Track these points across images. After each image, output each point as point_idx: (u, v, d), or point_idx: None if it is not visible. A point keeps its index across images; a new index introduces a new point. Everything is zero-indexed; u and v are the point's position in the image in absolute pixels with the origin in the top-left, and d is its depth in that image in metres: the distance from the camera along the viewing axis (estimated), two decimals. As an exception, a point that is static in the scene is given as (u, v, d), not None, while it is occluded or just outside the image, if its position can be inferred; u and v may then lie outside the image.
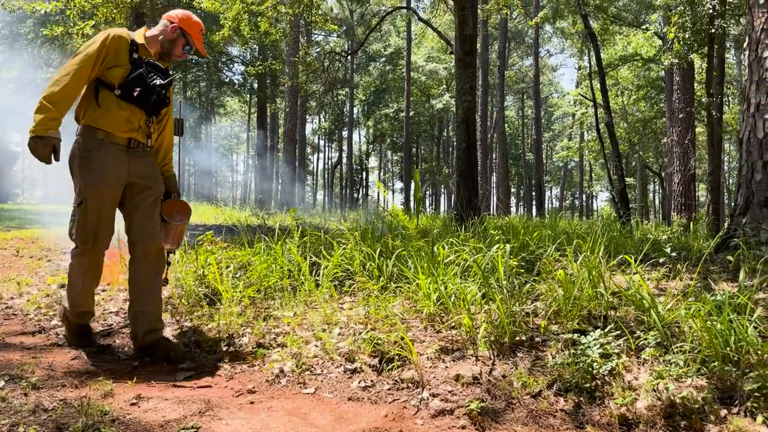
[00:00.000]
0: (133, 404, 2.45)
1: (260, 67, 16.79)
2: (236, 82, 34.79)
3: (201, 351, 3.27)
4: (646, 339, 2.86)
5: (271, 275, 4.08)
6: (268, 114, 31.35)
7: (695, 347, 2.75)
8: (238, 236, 5.50)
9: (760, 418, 2.37)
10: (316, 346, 3.12)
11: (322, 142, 54.30)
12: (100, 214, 3.10)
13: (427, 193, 51.36)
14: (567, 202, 55.30)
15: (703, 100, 14.50)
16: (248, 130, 46.33)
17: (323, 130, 47.65)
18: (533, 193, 32.64)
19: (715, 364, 2.63)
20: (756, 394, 2.46)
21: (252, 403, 2.57)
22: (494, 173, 36.69)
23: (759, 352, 2.67)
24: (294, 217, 5.21)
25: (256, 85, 31.94)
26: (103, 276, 4.56)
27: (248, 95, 38.42)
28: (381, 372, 2.84)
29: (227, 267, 4.17)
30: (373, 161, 57.86)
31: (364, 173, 50.65)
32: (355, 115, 43.28)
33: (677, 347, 2.78)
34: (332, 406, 2.56)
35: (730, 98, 27.59)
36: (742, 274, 3.53)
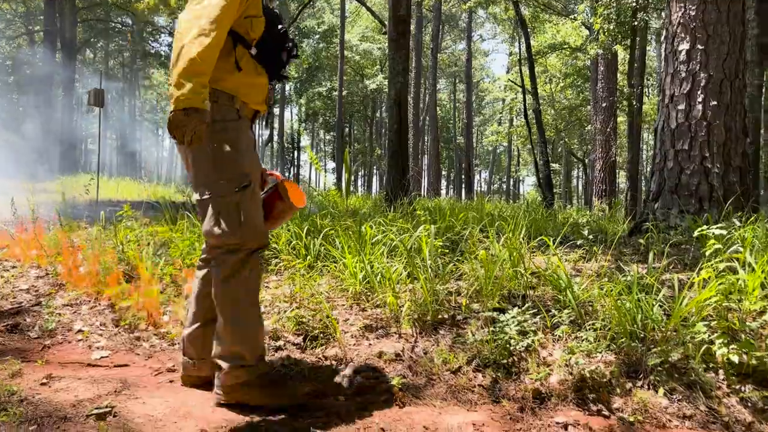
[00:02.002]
0: (43, 384, 2.36)
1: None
2: (162, 53, 33.52)
3: (119, 329, 3.17)
4: (560, 317, 2.99)
5: (194, 253, 3.99)
6: (197, 88, 30.37)
7: (606, 325, 2.89)
8: (161, 213, 5.33)
9: (661, 391, 2.53)
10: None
11: (253, 119, 53.21)
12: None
13: (360, 173, 51.40)
14: (495, 186, 56.66)
15: (625, 90, 15.13)
16: (175, 104, 44.79)
17: (253, 107, 46.74)
18: (463, 177, 33.25)
19: (623, 340, 2.78)
20: (659, 368, 2.62)
21: (172, 381, 2.52)
22: (426, 156, 37.08)
23: (663, 329, 2.84)
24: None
25: (184, 58, 30.83)
26: (14, 252, 4.34)
27: (176, 68, 37.12)
28: (305, 350, 2.85)
29: (148, 244, 4.05)
30: (305, 140, 57.28)
31: (296, 152, 50.09)
32: (287, 92, 42.64)
33: (589, 325, 2.92)
34: (254, 384, 2.54)
35: (650, 89, 28.87)
36: (650, 257, 3.73)
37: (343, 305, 3.29)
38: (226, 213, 2.19)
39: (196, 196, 2.27)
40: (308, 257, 3.88)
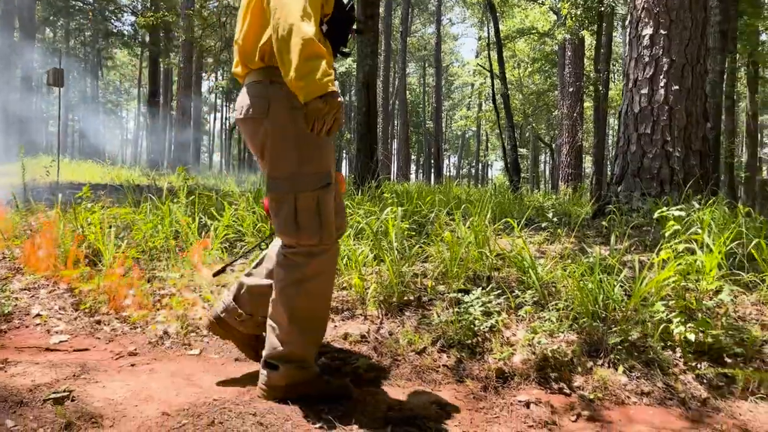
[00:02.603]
0: (-2, 369, 2.30)
1: (152, 19, 15.87)
2: (126, 33, 32.66)
3: (79, 313, 3.11)
4: (524, 298, 3.02)
5: (157, 236, 3.92)
6: (161, 69, 29.79)
7: (568, 305, 2.94)
8: (124, 196, 5.23)
9: (621, 369, 2.58)
10: (203, 307, 3.05)
11: (219, 101, 52.42)
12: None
13: (328, 157, 50.85)
14: (464, 170, 56.97)
15: (592, 75, 15.30)
16: (139, 86, 43.81)
17: (221, 89, 45.91)
18: (432, 161, 33.31)
19: (585, 320, 2.83)
20: (618, 347, 2.68)
21: (133, 365, 2.48)
22: (395, 140, 37.05)
23: (623, 309, 2.90)
24: (184, 176, 5.02)
25: (147, 38, 30.19)
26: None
27: (139, 48, 36.23)
28: (269, 332, 2.83)
29: (110, 227, 3.96)
30: (273, 123, 56.59)
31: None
32: (255, 75, 42.03)
33: (552, 305, 2.96)
34: (218, 367, 2.52)
35: (616, 75, 29.26)
36: (613, 239, 3.80)
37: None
38: (307, 212, 2.00)
39: (268, 190, 2.07)
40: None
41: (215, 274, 2.72)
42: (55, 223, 4.00)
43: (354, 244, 3.52)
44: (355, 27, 2.21)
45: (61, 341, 2.73)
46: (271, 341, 2.10)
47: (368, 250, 3.44)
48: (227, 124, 50.93)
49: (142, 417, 1.93)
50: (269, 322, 2.12)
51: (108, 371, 2.36)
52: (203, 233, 4.03)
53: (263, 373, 2.12)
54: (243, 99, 2.07)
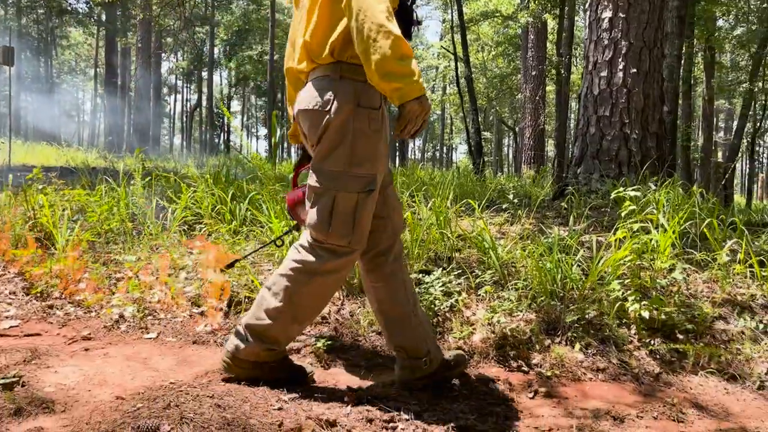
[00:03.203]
0: (-56, 356, 2.22)
1: (108, -4, 15.38)
2: (80, 11, 31.62)
3: (30, 298, 3.02)
4: (484, 278, 3.05)
5: (113, 218, 3.83)
6: (119, 49, 28.96)
7: (527, 285, 2.97)
8: (78, 179, 5.09)
9: (577, 346, 2.63)
10: (160, 290, 3.00)
11: (179, 83, 51.35)
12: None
13: (292, 140, 50.41)
14: (429, 154, 57.10)
15: (554, 59, 15.43)
16: (96, 66, 42.55)
17: (181, 70, 44.93)
18: (397, 144, 33.29)
19: (543, 299, 2.88)
20: (576, 325, 2.72)
21: (87, 350, 2.42)
22: (359, 122, 36.76)
23: (580, 288, 2.95)
24: (142, 158, 4.90)
25: (103, 17, 29.28)
26: None
27: (95, 27, 35.15)
28: (229, 315, 2.80)
29: (63, 210, 3.85)
30: (236, 105, 55.82)
31: (225, 117, 48.77)
32: (216, 56, 41.24)
33: (512, 285, 2.99)
34: (175, 350, 2.48)
35: (577, 59, 29.59)
36: (571, 219, 3.86)
37: (270, 270, 3.25)
38: (344, 213, 1.95)
39: (311, 180, 2.00)
40: (234, 222, 3.79)
41: (226, 268, 2.66)
42: (6, 206, 3.87)
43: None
44: (417, 20, 2.14)
45: (11, 326, 2.65)
46: (257, 312, 2.05)
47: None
48: (188, 106, 49.99)
49: (95, 401, 1.89)
50: (265, 292, 2.07)
51: (60, 356, 2.30)
52: (161, 216, 3.95)
53: (234, 342, 2.06)
54: (310, 92, 2.01)
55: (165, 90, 48.03)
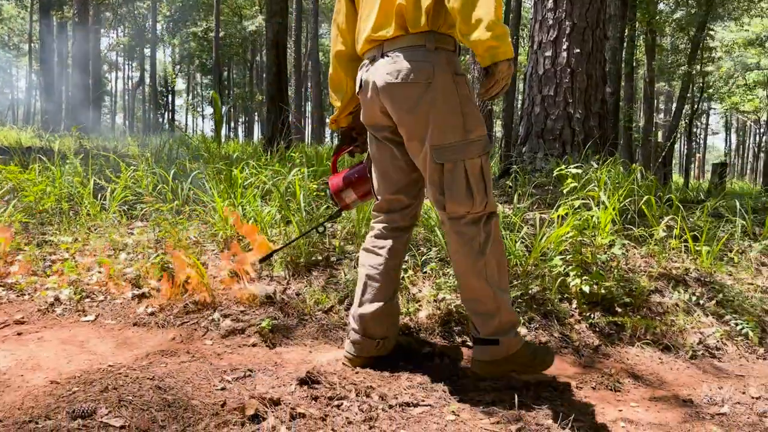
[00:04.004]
0: None
1: (41, -33, 14.62)
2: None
3: (-42, 282, 2.88)
4: (430, 255, 3.07)
5: (48, 198, 3.68)
6: (54, 23, 27.70)
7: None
8: (11, 158, 4.86)
9: (521, 321, 2.68)
10: (99, 272, 2.90)
11: (120, 60, 49.55)
12: None
13: (240, 120, 49.72)
14: (378, 133, 56.93)
15: (501, 40, 15.54)
16: (30, 42, 40.58)
17: (122, 46, 43.35)
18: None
19: (488, 275, 2.91)
20: (519, 300, 2.78)
21: (20, 334, 2.33)
22: (309, 102, 36.41)
23: (524, 264, 3.00)
24: (79, 136, 4.70)
25: (38, -11, 27.88)
26: None
27: (29, 0, 33.48)
28: (171, 296, 2.73)
29: (-7, 189, 3.68)
30: (180, 83, 54.30)
31: (170, 96, 47.39)
32: (158, 32, 39.91)
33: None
34: (114, 333, 2.41)
35: (525, 40, 29.91)
36: (516, 197, 3.91)
37: (213, 250, 3.18)
38: (475, 178, 1.94)
39: (433, 159, 1.95)
40: (176, 202, 3.69)
41: (261, 261, 2.63)
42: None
43: (261, 206, 3.44)
44: None
45: (-63, 312, 2.52)
46: (481, 319, 2.03)
47: (275, 211, 3.37)
48: (130, 84, 48.34)
49: (27, 387, 1.82)
50: (467, 304, 2.07)
51: (-9, 341, 2.21)
52: (99, 196, 3.82)
53: (483, 349, 2.04)
54: (399, 63, 1.93)
55: (105, 67, 46.32)
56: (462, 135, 1.93)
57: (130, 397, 1.74)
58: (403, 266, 2.95)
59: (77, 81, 20.82)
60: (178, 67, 46.75)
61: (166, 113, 43.97)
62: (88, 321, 2.51)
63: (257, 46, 38.40)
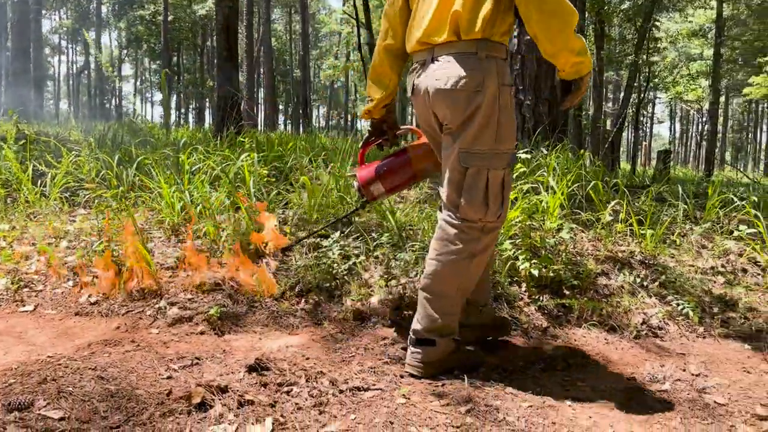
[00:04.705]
0: None
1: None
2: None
3: None
4: (381, 240, 3.06)
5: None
6: (-7, 4, 26.45)
7: (424, 246, 3.01)
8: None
9: (471, 304, 2.70)
10: (38, 260, 2.79)
11: (64, 43, 47.74)
12: None
13: (191, 106, 48.65)
14: (333, 121, 56.68)
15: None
16: (-33, 22, 38.67)
17: (65, 29, 41.76)
18: (300, 111, 32.71)
19: (439, 260, 2.92)
20: (470, 283, 2.79)
21: (-48, 326, 2.22)
22: (261, 89, 35.86)
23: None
24: (16, 121, 4.51)
25: (-27, -33, 26.54)
26: None
27: (-36, -22, 31.85)
28: (115, 284, 2.65)
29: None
30: (128, 68, 52.69)
31: (117, 81, 45.94)
32: (104, 15, 38.60)
33: (409, 247, 3.02)
34: (55, 323, 2.33)
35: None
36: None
37: (160, 237, 3.10)
38: (496, 190, 1.98)
39: (458, 162, 1.97)
40: (120, 188, 3.58)
41: (284, 251, 2.61)
42: None
43: (209, 191, 3.37)
44: None
45: None
46: (428, 313, 2.04)
47: (224, 196, 3.31)
48: (74, 69, 46.66)
49: (-40, 380, 1.74)
50: (424, 294, 2.06)
51: None
52: (39, 182, 3.67)
53: (416, 351, 2.04)
54: (451, 69, 1.94)
55: (47, 51, 44.55)
56: (492, 145, 1.96)
57: (70, 388, 1.68)
58: (355, 252, 2.94)
59: (17, 64, 19.97)
60: (125, 51, 45.33)
61: (114, 99, 42.65)
62: (26, 311, 2.42)
63: (208, 31, 37.56)
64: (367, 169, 2.30)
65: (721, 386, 2.07)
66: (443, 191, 2.05)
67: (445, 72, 1.95)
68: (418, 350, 2.05)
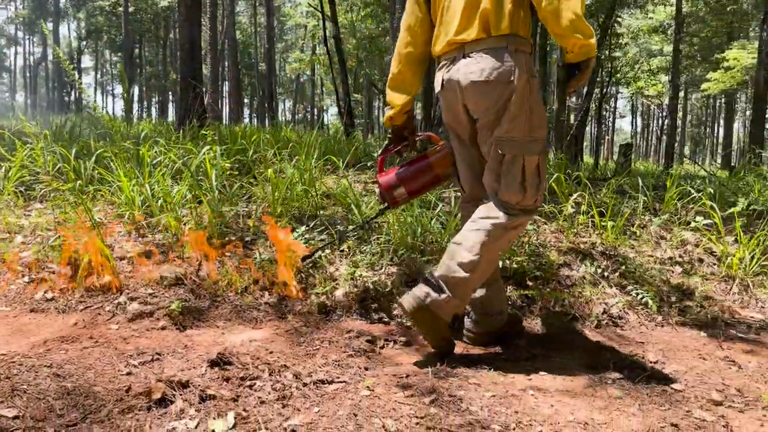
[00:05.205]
0: None
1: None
2: None
3: None
4: (347, 233, 3.05)
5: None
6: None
7: (389, 239, 3.01)
8: None
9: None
10: None
11: (21, 34, 46.31)
12: None
13: (154, 100, 47.77)
14: (300, 115, 56.25)
15: (420, 21, 15.60)
16: None
17: (22, 19, 40.53)
18: (266, 105, 32.36)
19: (404, 252, 2.93)
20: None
21: None
22: (226, 82, 35.35)
23: (440, 241, 3.04)
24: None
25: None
26: None
27: None
28: (73, 280, 2.59)
29: None
30: (88, 60, 51.44)
31: (77, 74, 44.80)
32: (62, 5, 37.59)
33: (374, 239, 3.02)
34: (9, 320, 2.26)
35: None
36: (433, 175, 3.93)
37: (120, 232, 3.04)
38: (531, 174, 2.10)
39: (496, 150, 2.09)
40: (79, 182, 3.49)
41: (303, 259, 2.63)
42: None
43: (171, 185, 3.31)
44: None
45: None
46: (450, 264, 2.10)
47: (186, 190, 3.25)
48: (31, 60, 45.34)
49: None
50: (455, 247, 2.12)
51: None
52: (-7, 176, 3.56)
53: (425, 290, 2.08)
54: (484, 62, 2.06)
55: (2, 42, 43.21)
56: (526, 132, 2.08)
57: (25, 386, 1.64)
58: (320, 244, 2.93)
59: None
60: (85, 43, 44.21)
61: (73, 91, 41.59)
62: (-21, 309, 2.34)
63: (171, 23, 36.88)
64: (389, 175, 2.39)
65: (678, 373, 2.13)
66: (485, 180, 2.17)
67: (478, 65, 2.07)
68: (423, 290, 2.10)
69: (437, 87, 2.25)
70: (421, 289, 2.09)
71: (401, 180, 2.37)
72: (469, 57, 2.09)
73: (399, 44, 2.32)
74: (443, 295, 2.07)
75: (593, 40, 1.97)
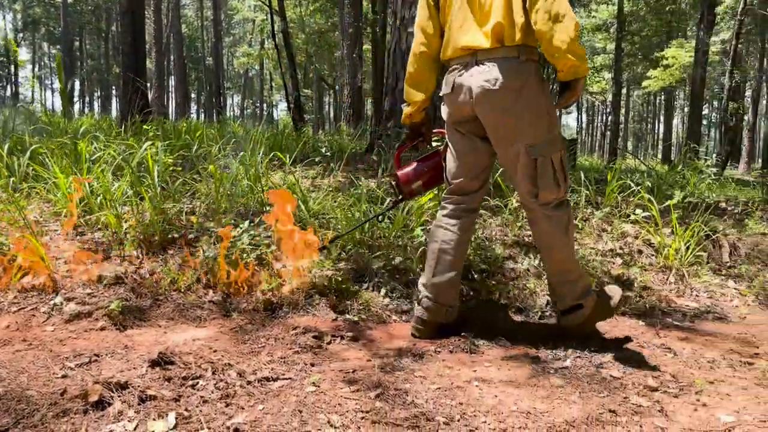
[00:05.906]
0: None
1: None
2: None
3: None
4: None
5: None
6: None
7: (338, 234, 3.00)
8: None
9: (383, 291, 2.73)
10: None
11: (-48, 25, 44.09)
12: None
13: (96, 94, 46.32)
14: (248, 110, 55.45)
15: (369, 16, 15.60)
16: None
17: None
18: (213, 100, 31.79)
19: (352, 247, 2.93)
20: (382, 271, 2.82)
21: None
22: (172, 77, 34.55)
23: (387, 236, 3.04)
24: None
25: None
26: None
27: None
28: (5, 281, 2.48)
29: None
30: (25, 53, 49.44)
31: (12, 67, 42.95)
32: (-4, -5, 35.97)
33: (322, 235, 3.00)
34: (-64, 324, 2.15)
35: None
36: (380, 171, 3.96)
37: (56, 230, 2.93)
38: (560, 169, 2.23)
39: (528, 155, 2.20)
40: (12, 179, 3.35)
41: (321, 250, 2.70)
42: None
43: (111, 181, 3.21)
44: None
45: None
46: (570, 286, 2.32)
47: (127, 186, 3.16)
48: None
49: None
50: (559, 276, 2.34)
51: None
52: None
53: (573, 317, 2.34)
54: (495, 72, 2.16)
55: (-68, 32, 41.12)
56: (548, 133, 2.22)
57: (-49, 393, 1.56)
58: (266, 241, 2.89)
59: None
60: (21, 35, 42.43)
61: (9, 85, 39.92)
62: None
63: (113, 15, 35.73)
64: (405, 170, 2.53)
65: (617, 361, 2.19)
66: (521, 188, 2.28)
67: (491, 75, 2.16)
68: (569, 317, 2.36)
69: (446, 89, 2.32)
70: (573, 319, 2.36)
71: (418, 175, 2.53)
72: (482, 65, 2.19)
73: (414, 44, 2.42)
74: (584, 306, 2.33)
75: (586, 64, 2.10)
